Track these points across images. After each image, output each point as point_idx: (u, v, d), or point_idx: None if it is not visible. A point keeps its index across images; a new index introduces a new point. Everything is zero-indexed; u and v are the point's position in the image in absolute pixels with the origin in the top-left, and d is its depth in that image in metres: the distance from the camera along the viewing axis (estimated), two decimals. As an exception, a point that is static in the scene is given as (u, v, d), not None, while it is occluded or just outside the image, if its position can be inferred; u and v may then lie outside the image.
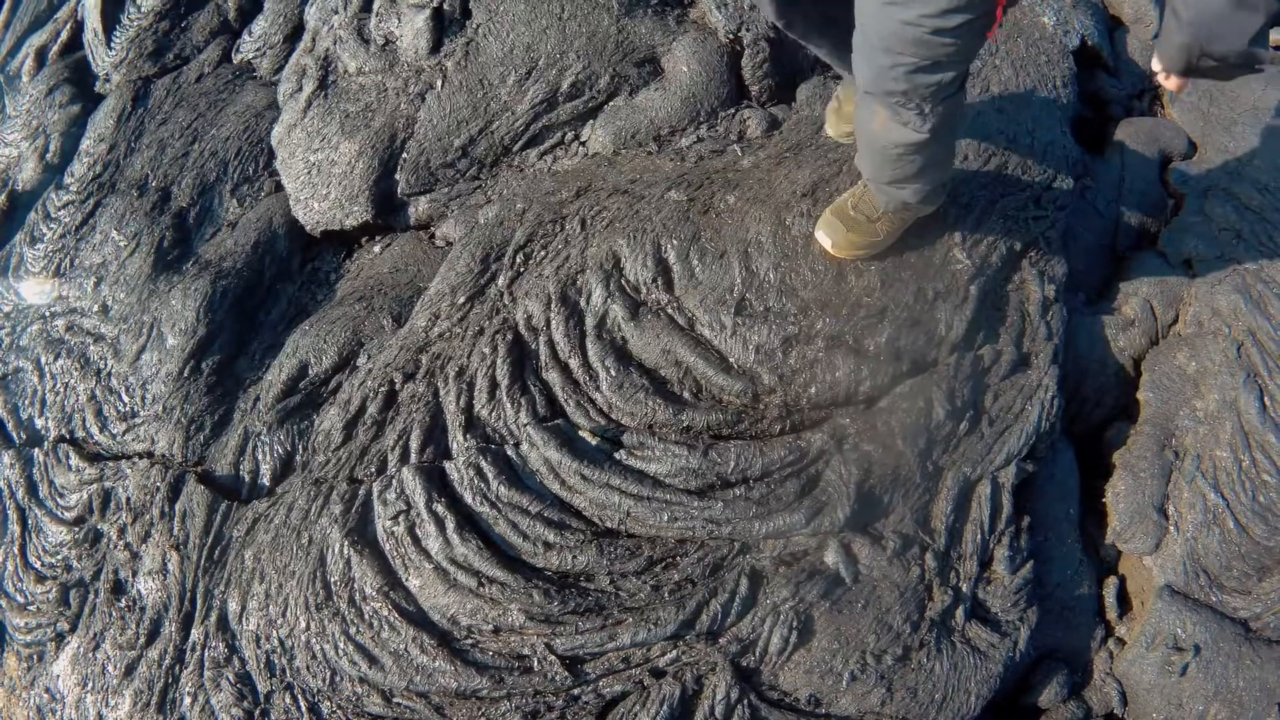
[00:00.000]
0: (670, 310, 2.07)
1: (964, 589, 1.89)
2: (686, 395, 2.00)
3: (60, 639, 2.07)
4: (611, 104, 2.42)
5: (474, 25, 2.51)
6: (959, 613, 1.87)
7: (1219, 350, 2.18)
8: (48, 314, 2.59)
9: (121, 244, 2.57)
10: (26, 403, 2.47)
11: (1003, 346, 2.08)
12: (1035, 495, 2.05)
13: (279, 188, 2.64)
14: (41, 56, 3.20)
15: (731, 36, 2.45)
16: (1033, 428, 2.02)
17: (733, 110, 2.39)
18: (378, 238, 2.53)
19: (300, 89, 2.60)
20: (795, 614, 1.80)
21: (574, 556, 1.83)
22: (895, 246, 2.09)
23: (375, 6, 2.64)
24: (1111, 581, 2.05)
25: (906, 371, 2.02)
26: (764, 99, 2.45)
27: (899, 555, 1.87)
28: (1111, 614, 2.01)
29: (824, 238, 2.06)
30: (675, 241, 2.12)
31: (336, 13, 2.67)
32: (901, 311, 2.05)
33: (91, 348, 2.45)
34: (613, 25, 2.43)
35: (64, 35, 3.20)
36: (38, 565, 2.19)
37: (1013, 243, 2.19)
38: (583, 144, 2.41)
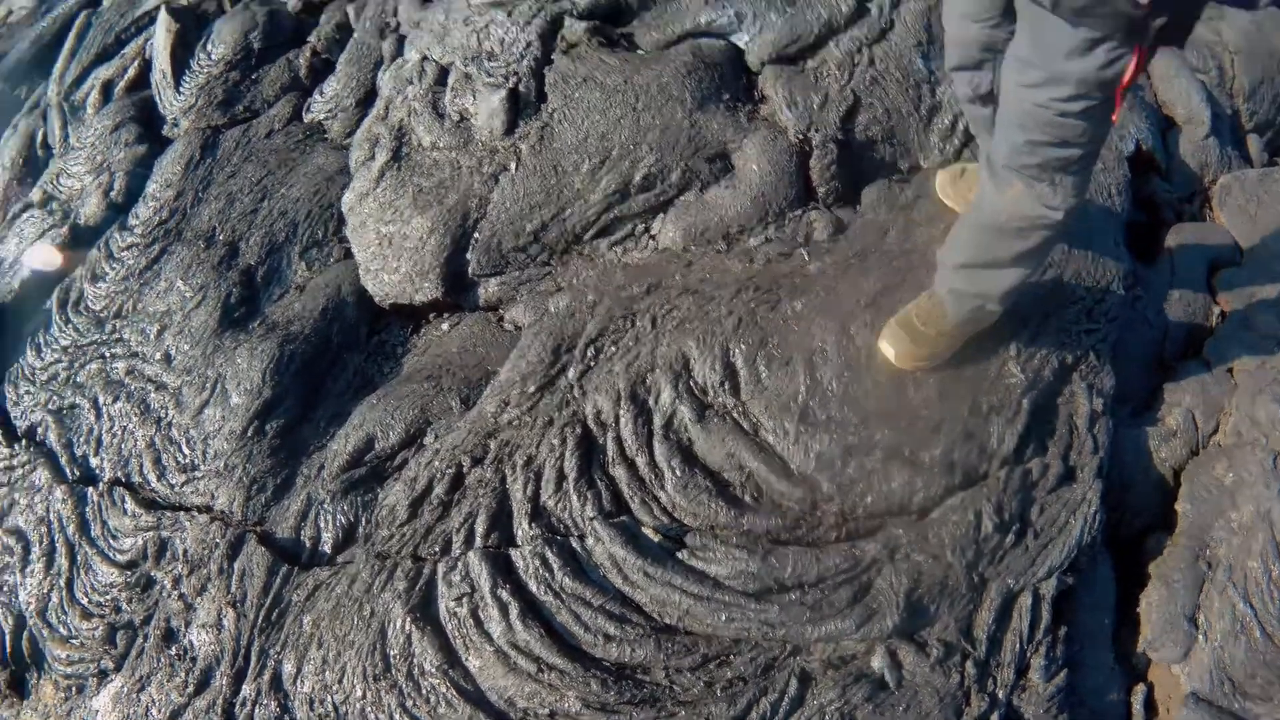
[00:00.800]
0: (736, 415, 2.12)
1: (1000, 696, 1.94)
2: (748, 499, 2.05)
3: (103, 675, 2.12)
4: (682, 199, 2.45)
5: (549, 110, 2.55)
6: (994, 719, 1.93)
7: (1255, 461, 2.22)
8: (107, 354, 2.64)
9: (187, 294, 2.60)
10: (81, 440, 2.51)
11: (1050, 460, 2.13)
12: (1073, 606, 2.10)
13: (348, 255, 2.66)
14: (108, 90, 3.23)
15: (801, 136, 2.49)
16: (1075, 541, 2.07)
17: (800, 211, 2.43)
18: (445, 315, 2.55)
19: (373, 158, 2.62)
20: (840, 715, 1.85)
21: (633, 650, 1.89)
22: (953, 358, 2.15)
23: (450, 82, 2.66)
24: (1140, 689, 2.08)
25: (959, 484, 2.08)
26: (830, 200, 2.48)
27: (941, 662, 1.93)
28: (1139, 720, 2.07)
29: (888, 348, 2.12)
30: (743, 346, 2.18)
31: (411, 83, 2.69)
32: (956, 424, 2.11)
33: (152, 395, 2.48)
34: (685, 119, 2.46)
35: (131, 72, 3.22)
36: (84, 601, 2.23)
37: (1064, 356, 2.24)
38: (653, 237, 2.44)
